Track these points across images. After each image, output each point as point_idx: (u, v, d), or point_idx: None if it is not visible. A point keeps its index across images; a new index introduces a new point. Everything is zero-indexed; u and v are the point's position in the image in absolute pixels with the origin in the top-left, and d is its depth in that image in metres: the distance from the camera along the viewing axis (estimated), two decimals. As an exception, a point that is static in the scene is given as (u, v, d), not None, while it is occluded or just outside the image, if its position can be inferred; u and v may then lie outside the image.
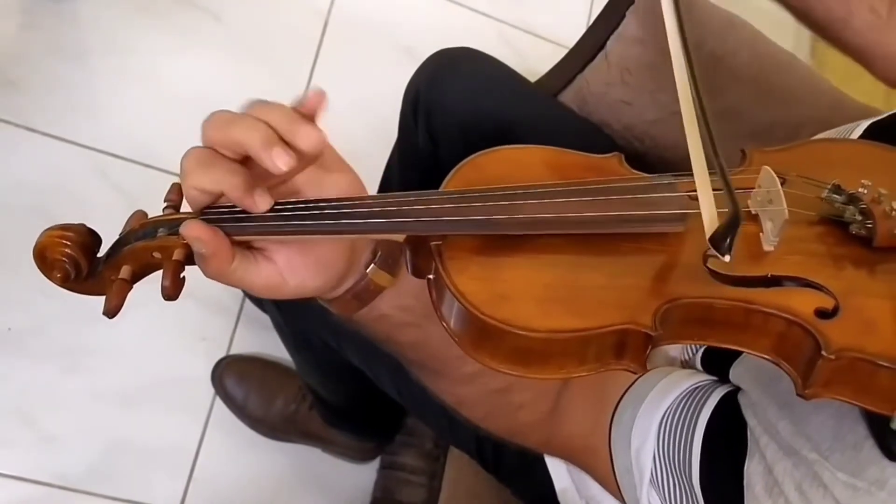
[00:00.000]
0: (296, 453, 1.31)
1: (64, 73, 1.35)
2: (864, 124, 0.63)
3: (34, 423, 1.21)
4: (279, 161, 0.40)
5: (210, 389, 1.28)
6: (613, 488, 0.60)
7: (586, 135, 0.93)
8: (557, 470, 0.69)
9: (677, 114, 0.99)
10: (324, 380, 1.11)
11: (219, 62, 1.44)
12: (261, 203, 0.42)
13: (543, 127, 0.88)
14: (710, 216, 0.41)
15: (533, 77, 1.04)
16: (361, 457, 1.32)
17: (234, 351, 1.32)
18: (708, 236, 0.40)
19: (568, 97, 1.01)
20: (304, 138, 0.41)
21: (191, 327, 1.30)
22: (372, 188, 1.14)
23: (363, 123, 1.47)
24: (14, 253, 1.29)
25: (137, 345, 1.27)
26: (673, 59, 0.49)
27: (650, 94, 0.95)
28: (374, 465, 1.30)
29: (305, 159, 0.43)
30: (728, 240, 0.38)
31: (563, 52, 1.06)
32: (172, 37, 1.43)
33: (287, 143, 0.41)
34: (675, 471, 0.53)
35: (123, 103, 1.37)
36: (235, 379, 1.27)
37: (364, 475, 1.31)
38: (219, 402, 1.29)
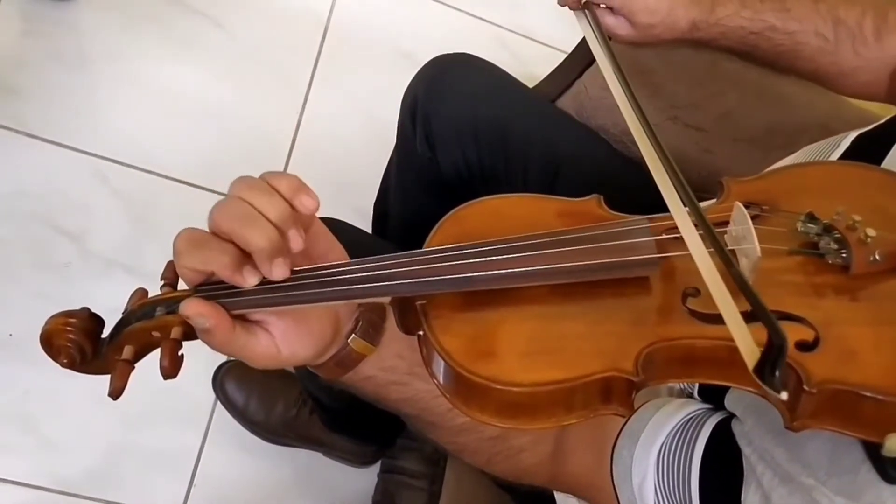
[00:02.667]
0: (297, 458, 1.31)
1: (64, 80, 1.35)
2: (852, 136, 0.62)
3: (36, 428, 1.21)
4: (276, 272, 0.44)
5: (211, 394, 1.28)
6: None
7: (584, 141, 0.93)
8: None
9: (675, 119, 0.99)
10: (324, 384, 1.11)
11: (219, 68, 1.44)
12: (249, 279, 0.44)
13: (540, 134, 0.88)
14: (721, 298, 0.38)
15: (531, 81, 1.04)
16: (362, 461, 1.32)
17: (235, 356, 1.33)
18: (744, 354, 0.36)
19: (566, 102, 1.01)
20: (291, 242, 0.44)
21: (192, 332, 1.30)
22: (370, 193, 1.15)
23: (362, 128, 1.48)
24: (15, 259, 1.30)
25: (138, 350, 1.27)
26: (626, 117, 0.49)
27: (647, 98, 0.95)
28: (375, 469, 1.30)
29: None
30: (777, 371, 0.34)
31: (561, 57, 1.06)
32: (173, 43, 1.44)
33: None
34: (677, 503, 0.53)
35: (124, 109, 1.37)
36: (236, 383, 1.27)
37: (365, 479, 1.31)
38: (220, 406, 1.29)
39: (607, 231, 0.46)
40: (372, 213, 1.17)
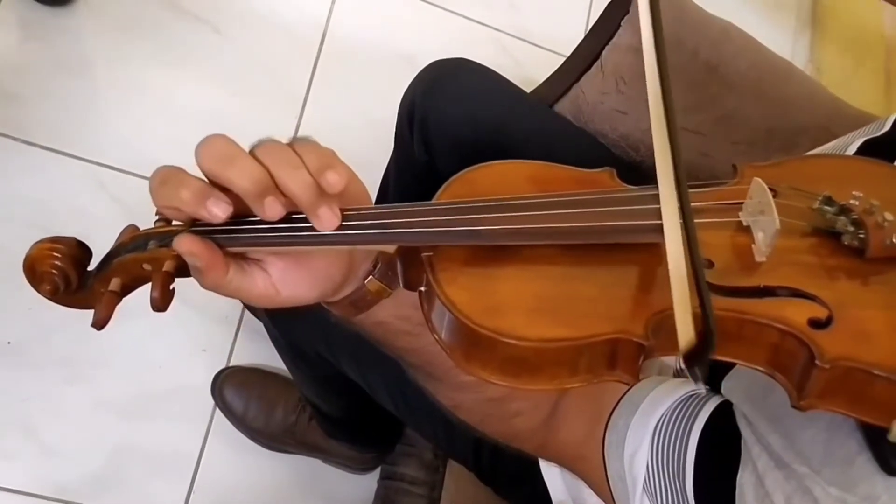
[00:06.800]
0: (296, 464, 1.31)
1: (63, 87, 1.35)
2: (859, 141, 0.62)
3: (35, 434, 1.21)
4: (270, 212, 0.41)
5: (210, 400, 1.28)
6: (607, 495, 0.60)
7: (581, 145, 0.93)
8: (554, 482, 0.69)
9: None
10: (321, 392, 1.11)
11: (217, 74, 1.44)
12: (215, 210, 0.41)
13: (538, 138, 0.88)
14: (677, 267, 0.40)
15: (530, 85, 1.04)
16: (361, 467, 1.32)
17: (235, 362, 1.33)
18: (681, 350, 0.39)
19: (564, 107, 1.01)
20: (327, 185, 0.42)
21: (191, 338, 1.31)
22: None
23: (361, 132, 1.47)
24: (13, 265, 1.29)
25: (138, 355, 1.27)
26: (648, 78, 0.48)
27: (645, 102, 0.94)
28: (375, 475, 1.29)
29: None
30: (698, 368, 0.38)
31: (560, 60, 1.06)
32: (171, 49, 1.44)
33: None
34: (669, 478, 0.53)
35: (122, 116, 1.37)
36: (235, 390, 1.27)
37: (364, 486, 1.31)
38: (219, 412, 1.29)
39: (620, 195, 0.46)
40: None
